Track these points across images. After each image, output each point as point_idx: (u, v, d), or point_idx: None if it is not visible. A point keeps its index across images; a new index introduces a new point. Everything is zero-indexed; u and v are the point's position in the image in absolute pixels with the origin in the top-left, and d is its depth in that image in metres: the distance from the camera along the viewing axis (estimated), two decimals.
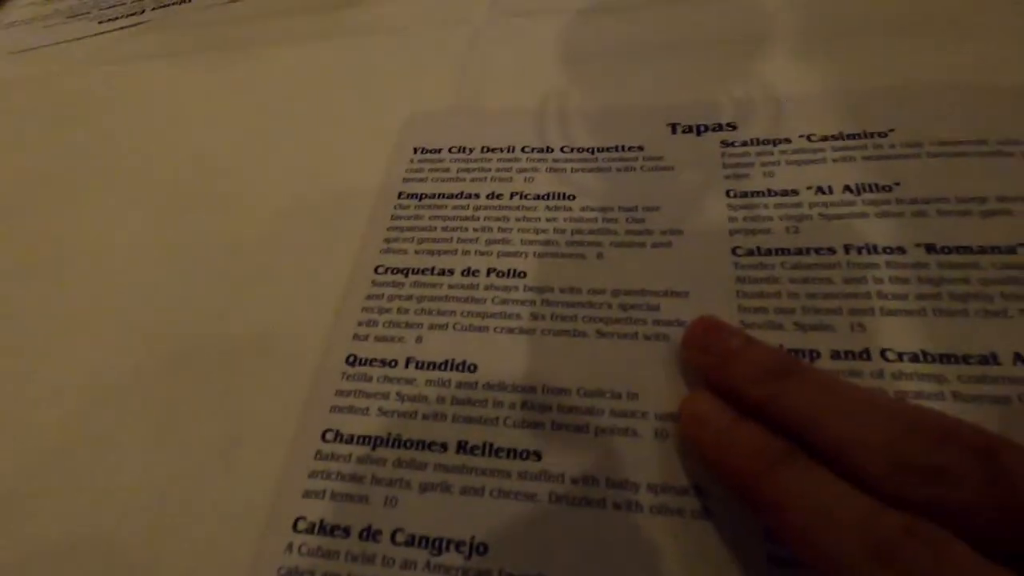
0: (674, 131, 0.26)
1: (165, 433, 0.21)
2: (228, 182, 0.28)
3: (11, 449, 0.21)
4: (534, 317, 0.21)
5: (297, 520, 0.18)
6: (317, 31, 0.35)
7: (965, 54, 0.26)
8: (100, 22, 0.40)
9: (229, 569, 0.17)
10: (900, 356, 0.18)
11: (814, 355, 0.19)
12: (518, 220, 0.24)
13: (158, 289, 0.25)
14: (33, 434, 0.22)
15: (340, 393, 0.21)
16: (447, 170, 0.27)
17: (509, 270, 0.23)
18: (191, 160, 0.30)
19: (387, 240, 0.25)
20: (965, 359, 0.18)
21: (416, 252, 0.24)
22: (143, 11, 0.41)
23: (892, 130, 0.24)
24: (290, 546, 0.18)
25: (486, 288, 0.22)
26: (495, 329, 0.21)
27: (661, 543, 0.16)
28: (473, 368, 0.20)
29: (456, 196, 0.25)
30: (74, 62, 0.38)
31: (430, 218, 0.25)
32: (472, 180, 0.26)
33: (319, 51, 0.34)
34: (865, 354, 0.18)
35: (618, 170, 0.25)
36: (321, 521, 0.18)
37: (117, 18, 0.40)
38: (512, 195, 0.25)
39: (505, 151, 0.27)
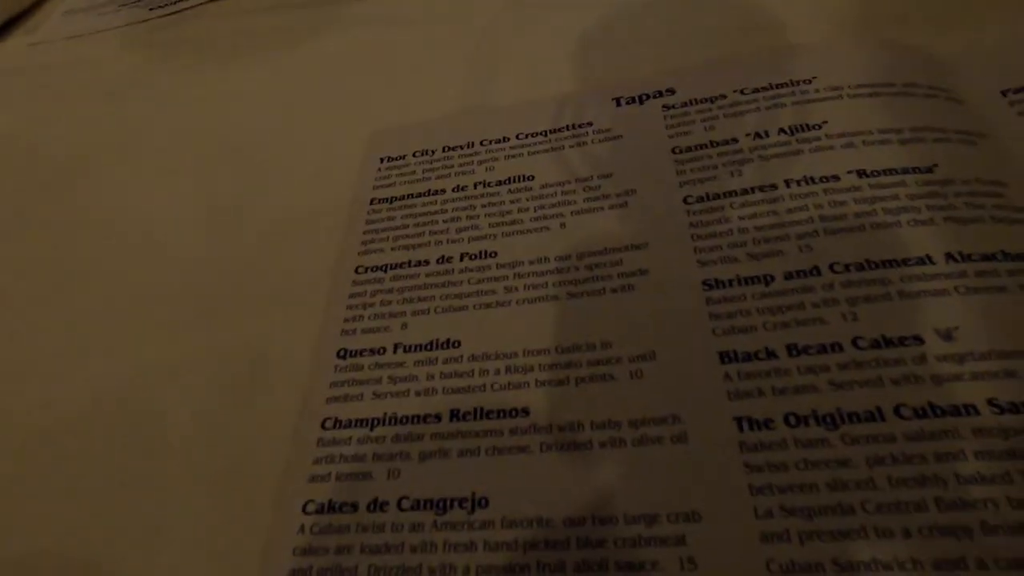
0: (619, 104, 0.28)
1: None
2: (231, 182, 0.31)
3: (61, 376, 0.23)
4: (507, 290, 0.23)
5: (306, 504, 0.19)
6: (335, 21, 0.38)
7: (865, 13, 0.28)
8: (151, 8, 0.44)
9: (243, 555, 0.18)
10: (847, 267, 0.20)
11: (769, 279, 0.20)
12: (484, 207, 0.26)
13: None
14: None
15: (335, 384, 0.22)
16: (413, 172, 0.28)
17: (480, 252, 0.24)
18: (209, 141, 0.33)
19: (364, 243, 0.26)
20: (904, 262, 0.19)
21: (392, 249, 0.25)
22: None
23: (815, 77, 0.25)
24: (302, 527, 0.19)
25: (460, 272, 0.24)
26: (473, 306, 0.23)
27: (646, 471, 0.17)
28: (457, 344, 0.22)
29: (424, 194, 0.27)
30: (121, 47, 0.42)
31: (402, 217, 0.26)
32: (437, 178, 0.27)
33: (329, 43, 0.37)
34: (815, 271, 0.20)
35: (571, 146, 0.27)
36: (329, 501, 0.19)
37: (164, 5, 0.44)
38: (476, 185, 0.27)
39: (465, 147, 0.28)
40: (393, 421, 0.20)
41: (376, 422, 0.20)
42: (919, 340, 0.18)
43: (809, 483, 0.16)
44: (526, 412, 0.19)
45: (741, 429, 0.17)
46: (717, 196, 0.23)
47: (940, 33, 0.26)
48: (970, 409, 0.16)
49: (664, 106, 0.27)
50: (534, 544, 0.17)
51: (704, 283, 0.21)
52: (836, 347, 0.18)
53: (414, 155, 0.29)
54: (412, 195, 0.27)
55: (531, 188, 0.26)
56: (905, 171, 0.21)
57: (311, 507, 0.19)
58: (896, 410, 0.17)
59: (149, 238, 0.29)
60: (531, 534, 0.17)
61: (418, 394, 0.21)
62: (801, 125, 0.24)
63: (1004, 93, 0.24)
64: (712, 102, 0.26)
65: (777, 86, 0.25)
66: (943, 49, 0.25)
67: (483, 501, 0.18)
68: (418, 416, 0.20)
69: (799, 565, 0.15)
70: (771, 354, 0.18)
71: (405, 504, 0.18)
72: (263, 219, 0.28)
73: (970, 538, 0.15)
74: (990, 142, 0.22)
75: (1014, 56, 0.25)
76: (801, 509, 0.16)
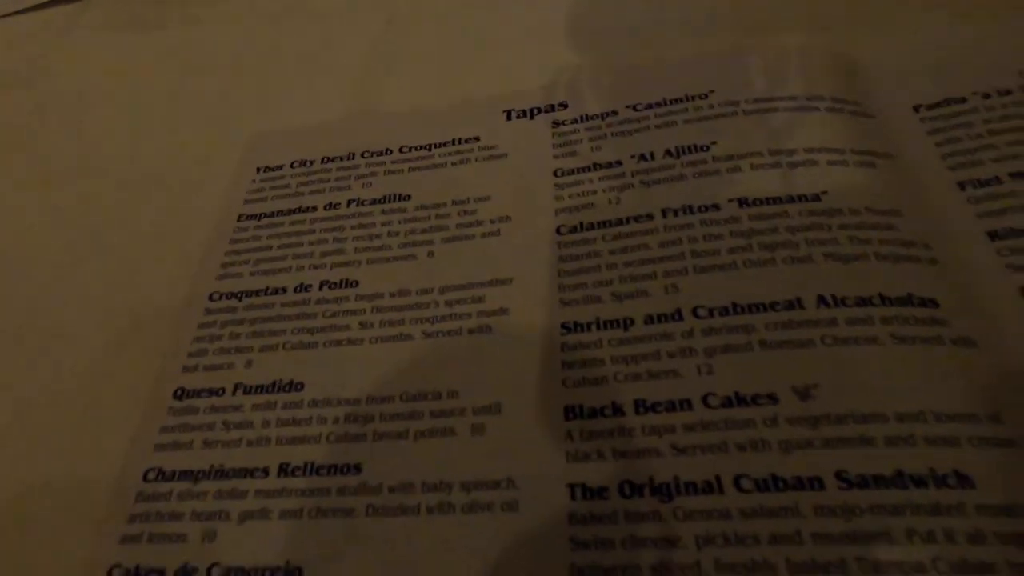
0: (509, 117, 0.26)
1: None
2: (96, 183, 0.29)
3: None
4: (363, 326, 0.21)
5: (112, 569, 0.17)
6: (235, 9, 0.36)
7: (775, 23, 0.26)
8: None
9: None
10: (711, 312, 0.18)
11: (628, 322, 0.18)
12: (353, 228, 0.24)
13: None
14: None
15: (165, 430, 0.20)
16: (287, 186, 0.26)
17: (341, 280, 0.22)
18: (87, 144, 0.31)
19: (224, 265, 0.24)
20: (772, 306, 0.18)
21: (251, 274, 0.23)
22: None
23: (712, 91, 0.23)
24: None
25: (317, 302, 0.22)
26: (324, 344, 0.21)
27: (471, 543, 0.16)
28: (300, 387, 0.20)
29: (294, 211, 0.25)
30: (13, 36, 0.39)
31: (267, 237, 0.24)
32: (311, 193, 0.25)
33: (224, 34, 0.34)
34: (677, 315, 0.18)
35: (453, 164, 0.25)
36: (136, 567, 0.17)
37: None
38: (349, 202, 0.25)
39: (345, 159, 0.26)
40: (219, 475, 0.18)
41: (201, 475, 0.19)
42: (773, 399, 0.16)
43: (633, 564, 0.15)
44: (358, 469, 0.18)
45: (573, 497, 0.16)
46: (591, 226, 0.21)
47: (862, 40, 0.24)
48: (815, 483, 0.15)
49: (554, 122, 0.25)
50: None
51: (563, 326, 0.19)
52: (685, 404, 0.16)
53: (291, 166, 0.27)
54: (282, 212, 0.25)
55: (405, 209, 0.24)
56: (790, 199, 0.20)
57: (116, 573, 0.17)
58: (736, 481, 0.15)
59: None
60: None
61: (249, 444, 0.19)
62: (689, 146, 0.22)
63: (916, 109, 0.22)
64: (603, 119, 0.24)
65: (671, 101, 0.23)
66: (863, 56, 0.24)
67: (296, 572, 0.16)
68: (245, 469, 0.18)
69: None
70: (618, 410, 0.17)
71: (215, 572, 0.17)
72: (130, 233, 0.26)
73: None
74: (894, 163, 0.21)
75: (931, 69, 0.23)
76: None
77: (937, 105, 0.22)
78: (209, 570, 0.17)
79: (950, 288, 0.18)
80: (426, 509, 0.17)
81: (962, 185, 0.20)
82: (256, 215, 0.25)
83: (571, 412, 0.17)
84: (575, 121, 0.24)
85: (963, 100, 0.22)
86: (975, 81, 0.22)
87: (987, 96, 0.21)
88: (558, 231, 0.21)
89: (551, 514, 0.16)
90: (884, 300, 0.17)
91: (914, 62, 0.23)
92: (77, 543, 0.18)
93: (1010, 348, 0.16)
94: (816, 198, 0.20)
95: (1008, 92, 0.21)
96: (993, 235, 0.19)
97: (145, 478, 0.19)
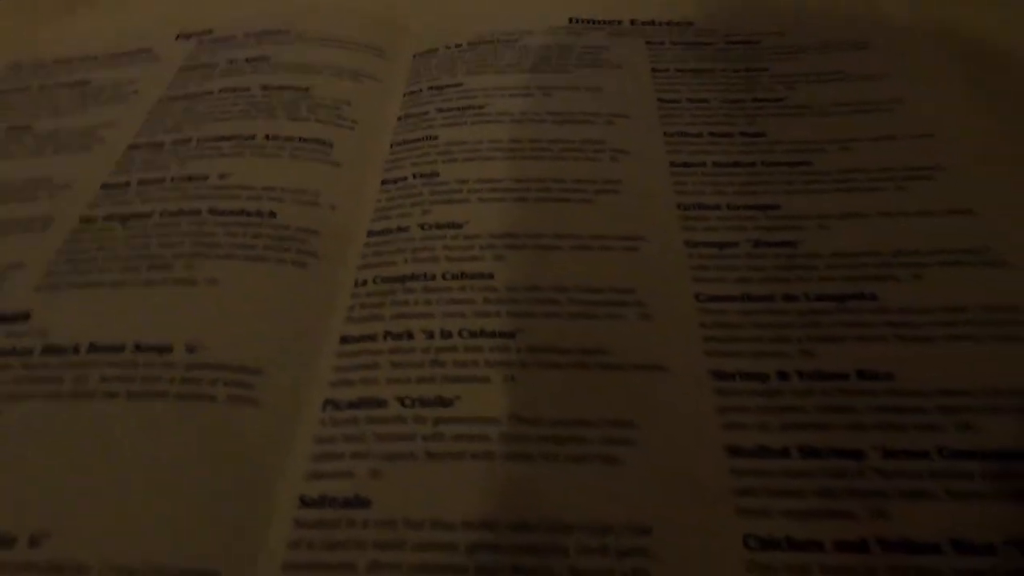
0: (177, 38, 0.38)
1: None
2: None
3: None
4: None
5: None
6: None
7: None
8: None
9: None
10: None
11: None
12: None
13: None
14: None
15: None
16: None
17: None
18: None
19: None
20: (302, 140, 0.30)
21: None
22: None
23: (289, 30, 0.36)
24: None
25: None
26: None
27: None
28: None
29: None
30: None
31: None
32: None
33: None
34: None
35: (128, 64, 0.37)
36: None
37: None
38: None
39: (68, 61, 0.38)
40: None
41: None
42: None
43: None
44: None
45: None
46: (184, 98, 0.33)
47: (413, 13, 0.38)
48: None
49: (199, 41, 0.38)
50: None
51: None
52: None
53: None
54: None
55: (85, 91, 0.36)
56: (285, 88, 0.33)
57: None
58: None
59: None
60: None
61: None
62: (257, 56, 0.35)
63: (414, 56, 0.36)
64: (223, 41, 0.37)
65: (264, 32, 0.37)
66: (400, 20, 0.38)
67: None
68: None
69: None
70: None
71: None
72: None
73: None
74: (376, 83, 0.34)
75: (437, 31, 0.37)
76: None
77: (430, 52, 0.36)
78: None
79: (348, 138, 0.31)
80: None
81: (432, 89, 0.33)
82: None
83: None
84: (210, 42, 0.37)
85: (460, 46, 0.35)
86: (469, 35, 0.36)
87: (459, 45, 0.35)
88: (159, 100, 0.34)
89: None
90: (302, 139, 0.30)
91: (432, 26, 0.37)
92: None
93: None
94: (306, 89, 0.33)
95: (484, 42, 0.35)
96: (400, 118, 0.32)
97: None
